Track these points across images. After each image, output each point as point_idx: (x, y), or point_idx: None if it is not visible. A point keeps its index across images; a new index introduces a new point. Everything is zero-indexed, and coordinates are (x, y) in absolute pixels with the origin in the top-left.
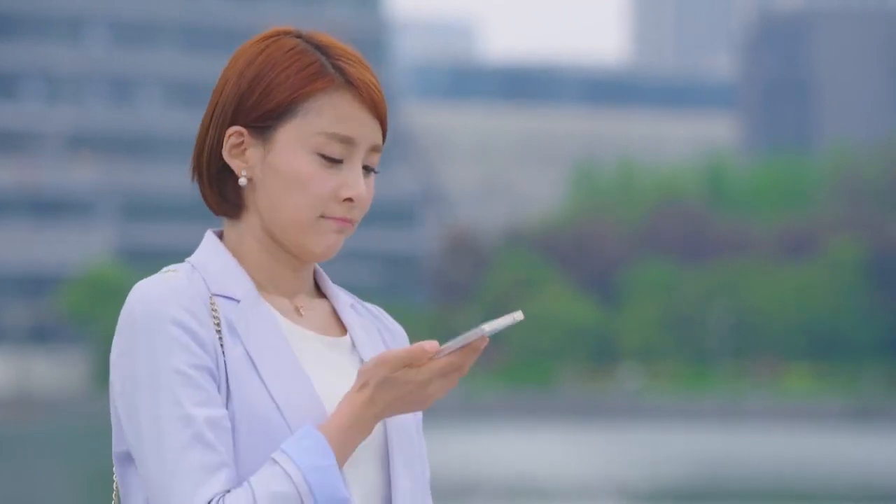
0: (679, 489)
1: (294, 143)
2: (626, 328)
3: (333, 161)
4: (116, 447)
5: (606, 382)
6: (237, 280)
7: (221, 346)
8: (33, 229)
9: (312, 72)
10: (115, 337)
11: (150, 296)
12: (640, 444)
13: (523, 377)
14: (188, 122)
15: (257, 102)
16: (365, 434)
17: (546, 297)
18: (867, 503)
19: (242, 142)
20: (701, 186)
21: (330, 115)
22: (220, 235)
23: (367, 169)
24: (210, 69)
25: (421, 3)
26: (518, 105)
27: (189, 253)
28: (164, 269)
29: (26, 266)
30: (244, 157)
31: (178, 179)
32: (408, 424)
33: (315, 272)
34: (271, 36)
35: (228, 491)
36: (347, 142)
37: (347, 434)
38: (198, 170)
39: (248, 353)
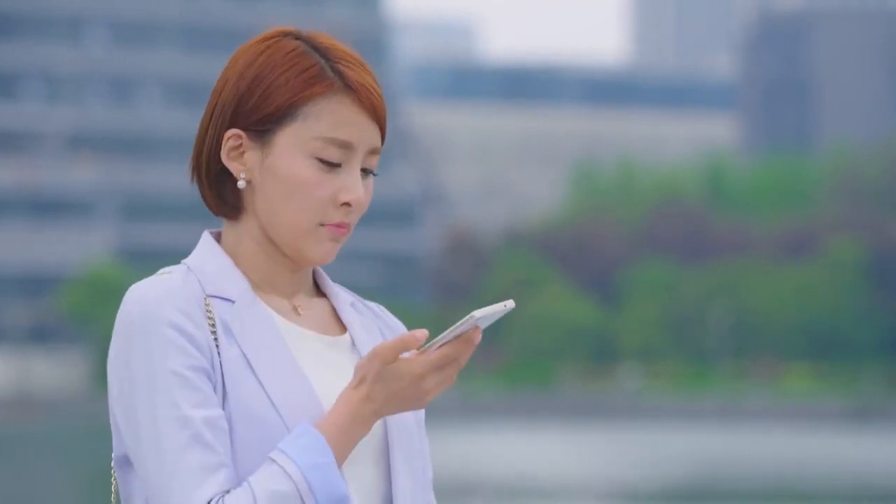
0: (679, 489)
1: (292, 147)
2: (626, 328)
3: (332, 165)
4: (116, 451)
5: (606, 382)
6: (232, 281)
7: (217, 346)
8: (33, 229)
9: (312, 75)
10: (111, 340)
11: (145, 298)
12: (640, 444)
13: (523, 377)
14: (188, 122)
15: (256, 105)
16: (364, 431)
17: (546, 297)
18: (867, 503)
19: (241, 144)
20: (701, 186)
21: (329, 119)
22: (218, 236)
23: (365, 172)
24: (210, 69)
25: (421, 3)
26: (518, 105)
27: (188, 253)
28: (160, 271)
29: (26, 266)
30: (242, 159)
31: (178, 179)
32: (408, 423)
33: (314, 271)
34: (271, 37)
35: (228, 491)
36: (346, 146)
37: (346, 431)
38: (197, 171)
39: (243, 354)
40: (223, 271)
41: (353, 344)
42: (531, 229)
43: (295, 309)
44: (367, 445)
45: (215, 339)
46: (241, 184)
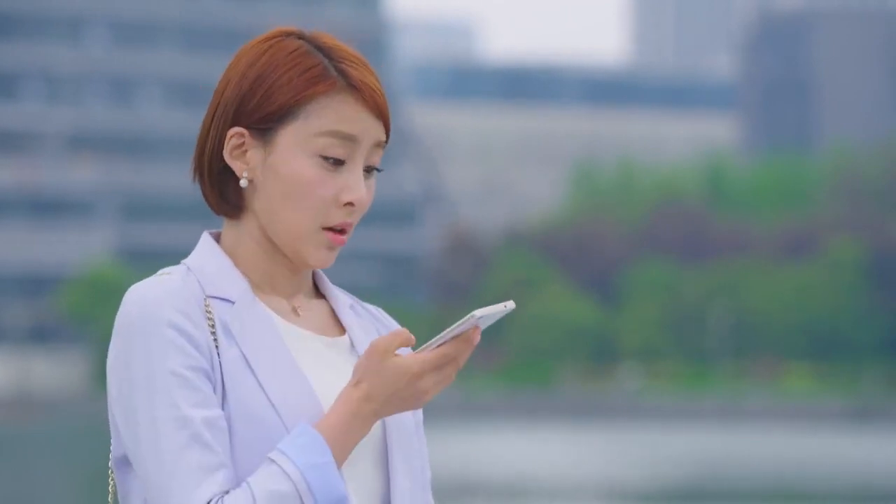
0: (679, 489)
1: (295, 146)
2: (626, 328)
3: (335, 163)
4: (115, 452)
5: (606, 382)
6: (232, 281)
7: (216, 347)
8: (33, 229)
9: (315, 74)
10: (111, 341)
11: (144, 299)
12: (640, 444)
13: (523, 377)
14: (188, 122)
15: (259, 104)
16: (363, 431)
17: (546, 297)
18: (867, 503)
19: (243, 143)
20: (701, 186)
21: (332, 116)
22: (217, 237)
23: (368, 170)
24: (210, 69)
25: (421, 3)
26: (518, 105)
27: (188, 253)
28: (159, 271)
29: (26, 266)
30: (245, 158)
31: (178, 179)
32: (407, 423)
33: (314, 273)
34: (274, 37)
35: (227, 492)
36: (350, 139)
37: (345, 431)
38: (199, 170)
39: (243, 354)
40: (223, 272)
41: (352, 345)
42: (531, 229)
43: (294, 310)
44: (366, 446)
45: (215, 340)
46: (243, 182)
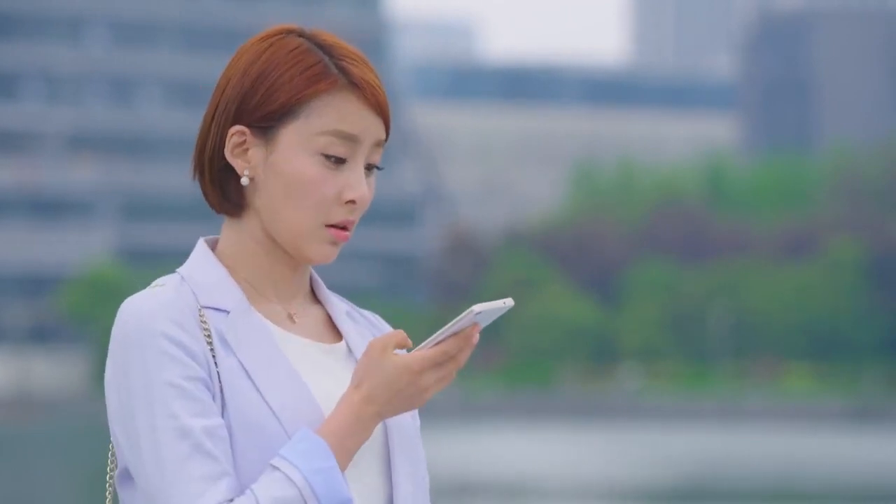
0: (679, 489)
1: (296, 144)
2: (626, 328)
3: (336, 162)
4: (119, 465)
5: (606, 382)
6: (227, 291)
7: (213, 357)
8: (33, 229)
9: (316, 72)
10: (108, 357)
11: (139, 312)
12: (640, 444)
13: (523, 377)
14: (188, 122)
15: (260, 102)
16: (366, 434)
17: (546, 297)
18: (867, 503)
19: (245, 141)
20: (701, 186)
21: (333, 115)
22: (213, 243)
23: (369, 168)
24: (210, 69)
25: (421, 3)
26: (518, 105)
27: (188, 253)
28: (153, 283)
29: (26, 266)
30: (246, 156)
31: (178, 179)
32: (408, 427)
33: (311, 279)
34: (274, 34)
35: (231, 500)
36: (351, 139)
37: (347, 435)
38: (199, 168)
39: (241, 363)
40: (218, 282)
41: (350, 352)
42: (531, 229)
43: (290, 317)
44: (369, 450)
45: (211, 350)
46: (244, 181)
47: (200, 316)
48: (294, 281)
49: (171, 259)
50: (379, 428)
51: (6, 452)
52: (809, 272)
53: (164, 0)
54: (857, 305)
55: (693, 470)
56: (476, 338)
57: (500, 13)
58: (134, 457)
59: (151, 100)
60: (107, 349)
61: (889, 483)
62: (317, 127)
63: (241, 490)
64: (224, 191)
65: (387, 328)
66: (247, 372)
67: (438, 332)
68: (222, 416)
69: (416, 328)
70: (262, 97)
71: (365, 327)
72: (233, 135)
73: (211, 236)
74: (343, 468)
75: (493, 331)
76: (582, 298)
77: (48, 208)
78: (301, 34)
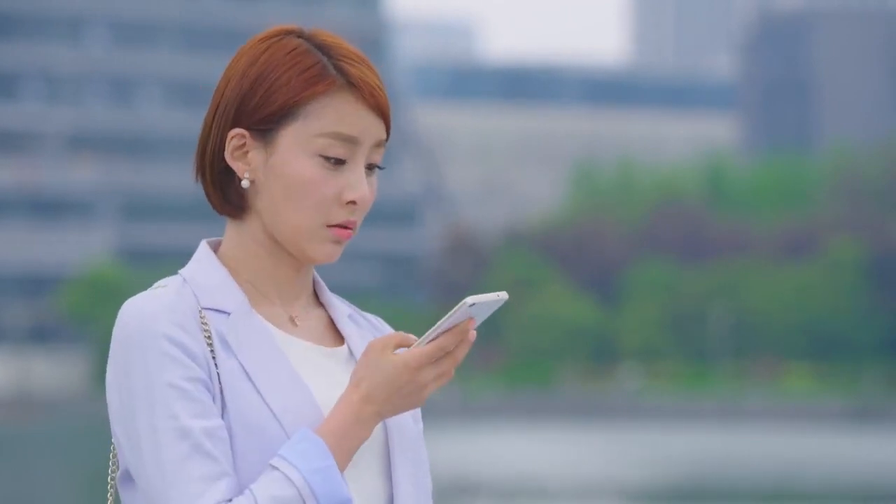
0: (679, 489)
1: (296, 146)
2: (626, 328)
3: (336, 163)
4: (120, 466)
5: (606, 382)
6: (228, 293)
7: (214, 358)
8: (33, 229)
9: (314, 74)
10: (109, 358)
11: (141, 313)
12: (640, 444)
13: (523, 377)
14: (188, 122)
15: (259, 105)
16: (365, 434)
17: (546, 297)
18: (867, 503)
19: (244, 144)
20: (701, 186)
21: (332, 116)
22: (215, 246)
23: (370, 168)
24: (210, 69)
25: (421, 3)
26: (518, 105)
27: (188, 253)
28: (155, 284)
29: (26, 266)
30: (246, 159)
31: (178, 179)
32: (409, 429)
33: (314, 281)
34: (273, 35)
35: (230, 500)
36: (351, 141)
37: (346, 435)
38: (201, 170)
39: (241, 365)
40: (219, 283)
41: (351, 355)
42: (531, 229)
43: (292, 320)
44: (369, 450)
45: (212, 351)
46: (244, 183)
47: (201, 317)
48: (297, 282)
49: (171, 259)
50: (379, 428)
51: (6, 452)
52: (809, 272)
53: (164, 0)
54: (857, 305)
55: (693, 470)
56: (473, 334)
57: (500, 13)
58: (134, 457)
59: (151, 100)
60: (107, 349)
61: (889, 483)
62: (315, 129)
63: (240, 491)
64: (225, 193)
65: (389, 331)
66: (247, 374)
67: (433, 328)
68: (222, 417)
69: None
70: (260, 99)
71: (367, 330)
72: (232, 138)
73: (213, 238)
74: (342, 468)
75: (493, 331)
76: (582, 298)
77: (48, 208)
78: (300, 35)
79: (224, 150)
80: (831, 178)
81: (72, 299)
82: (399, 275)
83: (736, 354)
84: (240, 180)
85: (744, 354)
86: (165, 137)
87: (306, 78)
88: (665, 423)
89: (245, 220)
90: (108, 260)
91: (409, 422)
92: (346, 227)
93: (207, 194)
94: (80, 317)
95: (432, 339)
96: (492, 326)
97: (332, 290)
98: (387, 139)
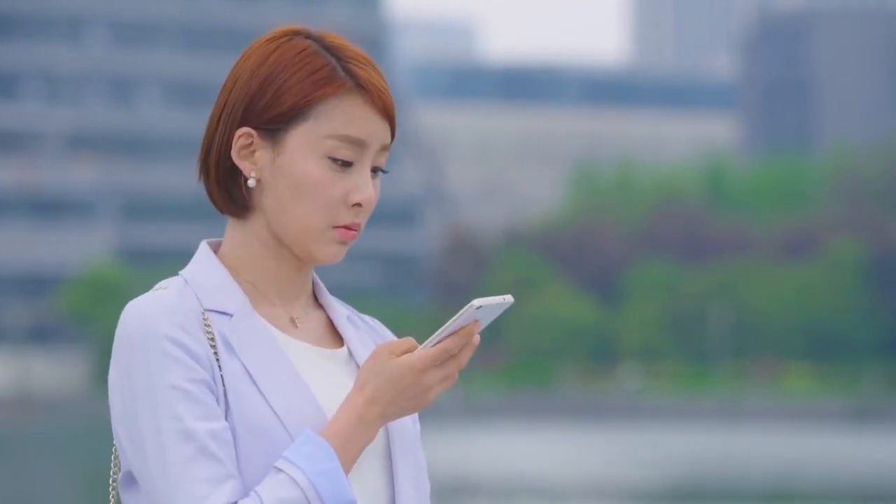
0: (679, 489)
1: (304, 147)
2: (626, 328)
3: (343, 164)
4: (122, 468)
5: (606, 382)
6: (230, 294)
7: (217, 360)
8: (33, 229)
9: (323, 75)
10: (111, 360)
11: (143, 315)
12: (640, 444)
13: (523, 377)
14: (188, 122)
15: (268, 105)
16: (370, 436)
17: (546, 297)
18: (867, 503)
19: (251, 143)
20: (701, 186)
21: (341, 118)
22: (216, 246)
23: (375, 170)
24: (210, 69)
25: (421, 3)
26: (518, 105)
27: (188, 253)
28: (157, 285)
29: (26, 266)
30: (253, 158)
31: (178, 179)
32: (410, 431)
33: (314, 282)
34: (282, 36)
35: (236, 503)
36: (358, 144)
37: (350, 437)
38: (205, 169)
39: (244, 367)
40: (221, 285)
41: (351, 357)
42: (531, 229)
43: (292, 321)
44: (372, 452)
45: (215, 353)
46: (251, 182)
47: (204, 319)
48: (297, 282)
49: (171, 259)
50: (381, 432)
51: (6, 452)
52: (809, 272)
53: (164, 0)
54: (857, 305)
55: (693, 470)
56: (477, 338)
57: (500, 13)
58: (138, 459)
59: (151, 100)
60: (107, 349)
61: (889, 483)
62: (324, 130)
63: (245, 493)
64: (230, 192)
65: (388, 333)
66: (250, 375)
67: (440, 330)
68: (226, 419)
69: (417, 328)
70: (269, 100)
71: (365, 332)
72: (240, 136)
73: (213, 239)
74: (347, 470)
75: (494, 331)
76: (582, 298)
77: (48, 208)
78: (308, 36)
79: (230, 148)
80: (831, 178)
81: (72, 299)
82: (399, 275)
83: (736, 354)
84: (245, 179)
85: (744, 354)
86: (165, 137)
87: (316, 79)
88: (665, 423)
89: (249, 219)
90: (108, 260)
91: (408, 424)
92: (351, 229)
93: (210, 193)
94: (80, 317)
95: (438, 342)
96: (492, 327)
97: (332, 290)
98: (391, 142)
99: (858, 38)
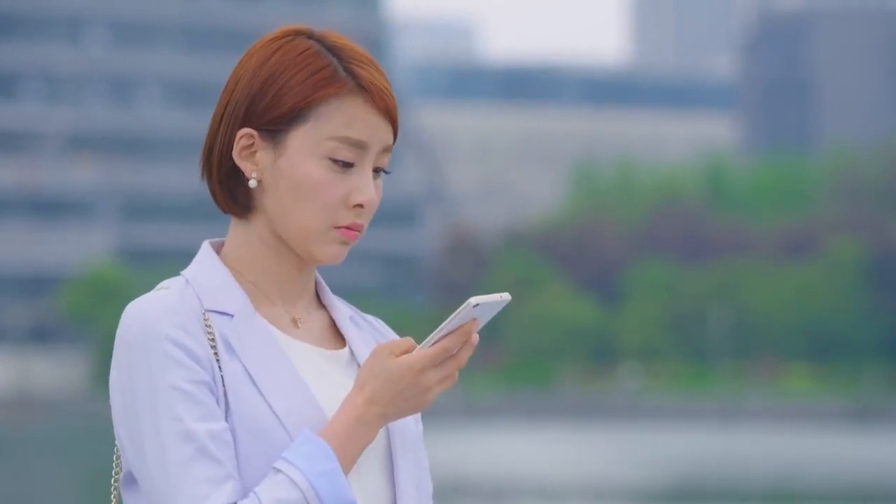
0: (679, 489)
1: (305, 148)
2: (626, 328)
3: (344, 166)
4: (123, 468)
5: (606, 382)
6: (231, 295)
7: (217, 361)
8: (33, 229)
9: (325, 76)
10: (112, 360)
11: (144, 315)
12: (640, 444)
13: (523, 377)
14: (188, 122)
15: (269, 105)
16: (369, 437)
17: (546, 297)
18: (867, 503)
19: (253, 144)
20: (701, 186)
21: (342, 119)
22: (217, 247)
23: (376, 171)
24: (210, 69)
25: (421, 3)
26: (518, 105)
27: (189, 253)
28: (158, 285)
29: (26, 266)
30: (254, 159)
31: (178, 179)
32: (411, 431)
33: (316, 282)
34: (284, 36)
35: (235, 503)
36: (359, 145)
37: (350, 437)
38: (207, 169)
39: (245, 368)
40: (222, 285)
41: (353, 357)
42: (531, 229)
43: (294, 322)
44: (372, 453)
45: (216, 354)
46: (252, 183)
47: (205, 320)
48: (299, 282)
49: (171, 259)
50: (382, 432)
51: (6, 452)
52: (809, 272)
53: (164, 0)
54: (857, 305)
55: (693, 470)
56: (476, 337)
57: (500, 13)
58: (138, 460)
59: (151, 100)
60: (107, 349)
61: (889, 483)
62: (325, 131)
63: (245, 494)
64: (232, 192)
65: (391, 333)
66: (251, 376)
67: (437, 330)
68: (226, 419)
69: (417, 328)
70: (271, 100)
71: (368, 332)
72: (241, 137)
73: (216, 239)
74: (347, 471)
75: (493, 331)
76: (582, 298)
77: (48, 208)
78: (311, 36)
79: (232, 149)
80: (831, 178)
81: (72, 299)
82: (399, 275)
83: (736, 354)
84: (247, 180)
85: (744, 354)
86: (165, 137)
87: (317, 80)
88: (665, 423)
89: (251, 219)
90: (108, 260)
91: (410, 424)
92: (352, 229)
93: (213, 193)
94: (80, 317)
95: (436, 341)
96: (492, 326)
97: (332, 290)
98: (394, 143)
99: (858, 38)
